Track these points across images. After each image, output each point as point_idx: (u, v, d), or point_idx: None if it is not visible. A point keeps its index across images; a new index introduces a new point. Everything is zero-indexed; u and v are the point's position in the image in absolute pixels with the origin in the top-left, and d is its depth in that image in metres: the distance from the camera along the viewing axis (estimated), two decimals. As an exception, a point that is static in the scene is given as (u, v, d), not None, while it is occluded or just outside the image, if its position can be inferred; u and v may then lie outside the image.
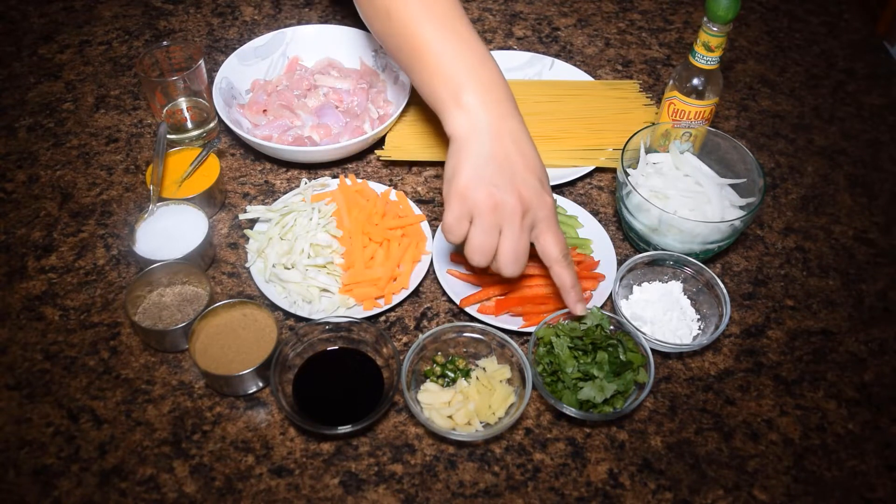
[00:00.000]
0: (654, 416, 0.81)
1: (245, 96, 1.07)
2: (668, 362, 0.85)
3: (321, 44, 1.12)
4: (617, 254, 0.91)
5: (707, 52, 0.90)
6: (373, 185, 0.96)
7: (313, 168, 1.02)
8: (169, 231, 0.88)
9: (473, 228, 0.74)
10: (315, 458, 0.76)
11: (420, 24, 0.77)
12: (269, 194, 0.98)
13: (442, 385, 0.80)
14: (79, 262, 0.91)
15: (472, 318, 0.85)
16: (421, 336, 0.80)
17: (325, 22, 1.22)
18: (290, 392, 0.78)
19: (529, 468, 0.76)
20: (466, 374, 0.80)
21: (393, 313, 0.88)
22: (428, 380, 0.80)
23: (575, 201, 0.98)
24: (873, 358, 0.87)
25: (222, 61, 1.06)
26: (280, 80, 1.08)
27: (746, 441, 0.79)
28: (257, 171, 1.01)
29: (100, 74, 1.14)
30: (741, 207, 0.90)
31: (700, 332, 0.85)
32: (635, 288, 0.88)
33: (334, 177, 0.98)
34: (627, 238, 0.96)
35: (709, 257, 0.92)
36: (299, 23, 1.21)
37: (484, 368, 0.81)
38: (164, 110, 1.02)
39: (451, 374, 0.80)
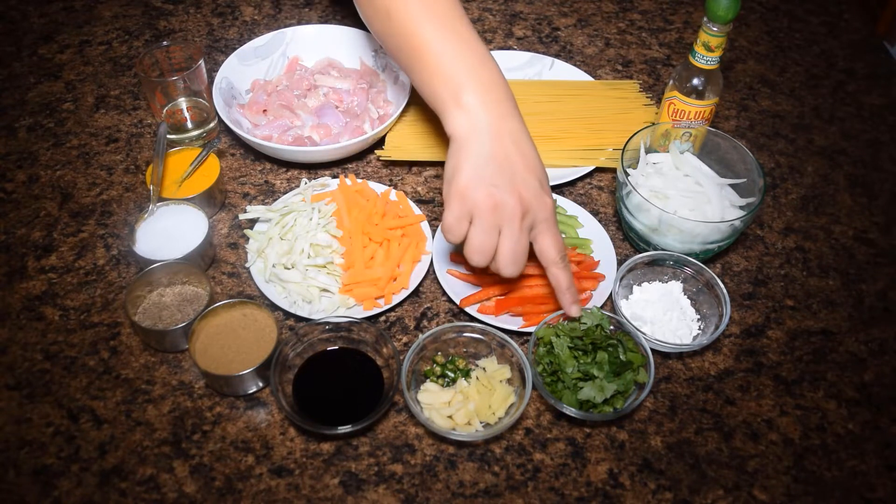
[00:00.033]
0: (654, 416, 0.81)
1: (245, 96, 1.07)
2: (668, 362, 0.85)
3: (321, 44, 1.12)
4: (617, 254, 0.91)
5: (707, 52, 0.90)
6: (373, 185, 0.96)
7: (313, 168, 1.02)
8: (169, 231, 0.88)
9: (473, 229, 0.74)
10: (315, 458, 0.76)
11: (420, 24, 0.77)
12: (269, 194, 0.98)
13: (442, 385, 0.80)
14: (79, 262, 0.91)
15: (472, 318, 0.85)
16: (421, 336, 0.80)
17: (325, 22, 1.22)
18: (290, 392, 0.78)
19: (529, 468, 0.76)
20: (466, 374, 0.80)
21: (393, 313, 0.88)
22: (428, 380, 0.80)
23: (575, 201, 0.98)
24: (873, 358, 0.87)
25: (222, 61, 1.06)
26: (280, 80, 1.08)
27: (746, 441, 0.79)
28: (257, 171, 1.01)
29: (100, 74, 1.14)
30: (741, 207, 0.90)
31: (700, 332, 0.85)
32: (635, 288, 0.88)
33: (334, 177, 0.98)
34: (627, 238, 0.96)
35: (709, 257, 0.92)
36: (299, 23, 1.21)
37: (484, 368, 0.81)
38: (164, 110, 1.02)
39: (451, 374, 0.80)
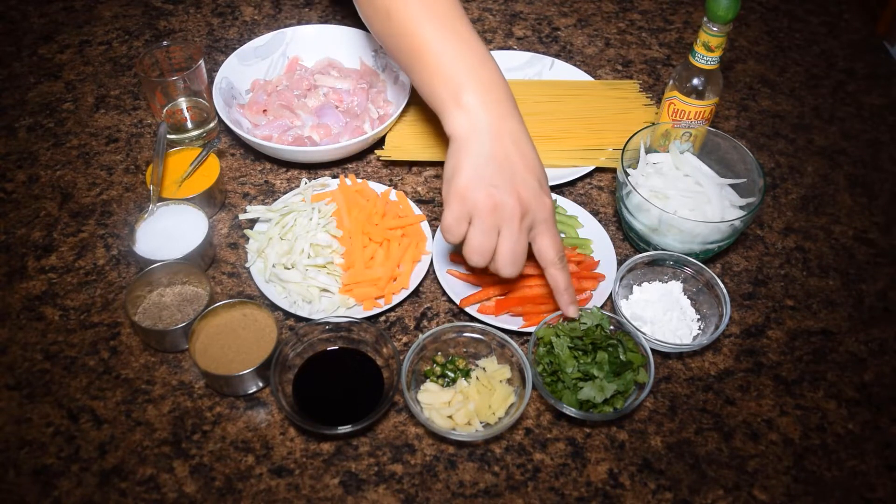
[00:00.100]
0: (654, 416, 0.81)
1: (245, 96, 1.07)
2: (668, 362, 0.85)
3: (321, 44, 1.12)
4: (617, 254, 0.91)
5: (707, 52, 0.90)
6: (373, 185, 0.96)
7: (313, 168, 1.02)
8: (169, 231, 0.88)
9: (472, 229, 0.74)
10: (315, 458, 0.76)
11: (420, 24, 0.77)
12: (269, 194, 0.98)
13: (442, 385, 0.80)
14: (79, 262, 0.91)
15: (472, 318, 0.85)
16: (421, 336, 0.80)
17: (325, 22, 1.22)
18: (290, 392, 0.78)
19: (529, 468, 0.76)
20: (466, 374, 0.80)
21: (393, 313, 0.88)
22: (428, 380, 0.80)
23: (575, 201, 0.98)
24: (873, 358, 0.87)
25: (222, 61, 1.06)
26: (280, 80, 1.08)
27: (746, 441, 0.79)
28: (257, 171, 1.01)
29: (100, 74, 1.14)
30: (741, 207, 0.90)
31: (700, 332, 0.85)
32: (635, 288, 0.88)
33: (334, 177, 0.98)
34: (627, 238, 0.96)
35: (709, 257, 0.92)
36: (299, 23, 1.21)
37: (484, 368, 0.81)
38: (164, 110, 1.02)
39: (451, 374, 0.80)
